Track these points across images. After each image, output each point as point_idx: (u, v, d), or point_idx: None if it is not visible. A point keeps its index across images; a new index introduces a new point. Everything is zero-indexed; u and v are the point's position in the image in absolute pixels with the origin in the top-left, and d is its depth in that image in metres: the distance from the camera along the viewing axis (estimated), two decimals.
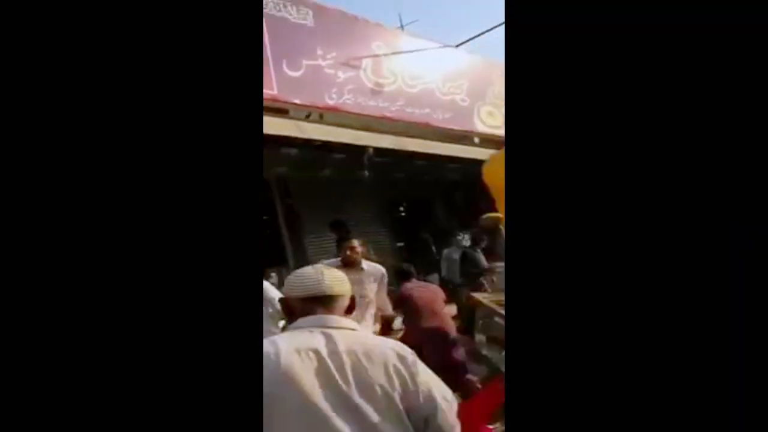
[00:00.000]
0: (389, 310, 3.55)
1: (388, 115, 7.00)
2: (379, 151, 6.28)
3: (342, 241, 3.69)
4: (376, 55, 7.14)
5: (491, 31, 8.17)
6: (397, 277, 4.80)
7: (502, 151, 2.57)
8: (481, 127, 8.24)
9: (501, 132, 8.44)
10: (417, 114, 7.35)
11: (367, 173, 6.28)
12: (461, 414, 2.95)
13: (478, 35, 8.35)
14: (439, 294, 4.23)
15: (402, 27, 8.75)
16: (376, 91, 6.98)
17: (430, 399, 1.22)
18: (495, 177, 2.17)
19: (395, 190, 8.39)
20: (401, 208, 9.02)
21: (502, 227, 6.64)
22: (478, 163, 6.95)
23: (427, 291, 4.19)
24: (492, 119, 8.49)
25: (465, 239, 6.28)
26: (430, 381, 1.25)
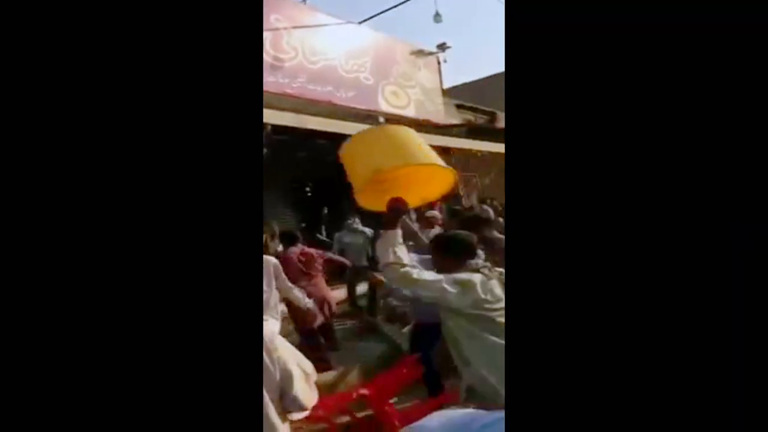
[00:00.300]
0: (298, 296, 3.46)
1: (289, 91, 6.74)
2: (279, 129, 6.02)
3: None
4: (276, 29, 6.83)
5: (394, 9, 8.12)
6: (283, 242, 4.89)
7: (363, 131, 2.34)
8: (385, 107, 8.18)
9: (405, 112, 8.44)
10: (319, 91, 7.14)
11: (265, 151, 6.00)
12: (369, 390, 2.88)
13: (382, 12, 8.26)
14: (318, 259, 4.59)
15: (304, 0, 8.45)
16: (275, 66, 6.69)
17: (286, 371, 1.31)
18: (350, 157, 2.04)
19: (298, 169, 8.16)
20: (307, 189, 8.81)
21: (411, 209, 6.69)
22: None
23: (306, 255, 4.52)
24: (396, 99, 8.47)
25: (356, 222, 6.23)
26: (286, 354, 1.36)
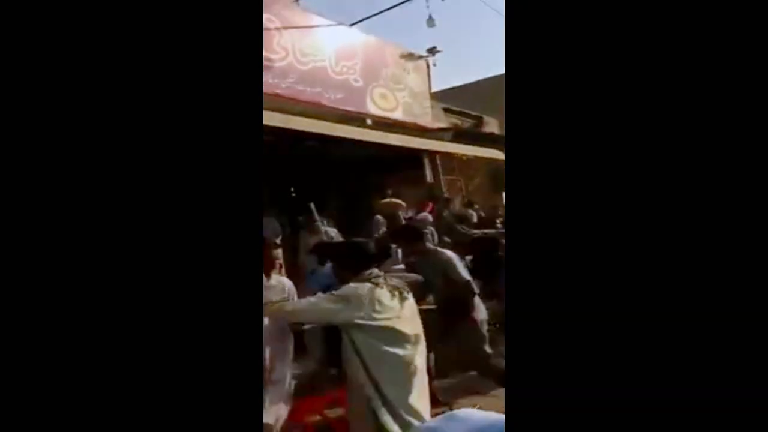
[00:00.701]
0: None
1: (279, 91, 6.79)
2: (266, 130, 6.08)
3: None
4: (267, 29, 6.88)
5: (386, 12, 8.19)
6: None
7: None
8: (373, 109, 8.26)
9: (393, 115, 8.53)
10: (308, 92, 7.20)
11: None
12: (341, 392, 2.92)
13: (373, 15, 8.33)
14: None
15: (297, 1, 8.49)
16: (266, 66, 6.74)
17: None
18: None
19: (288, 170, 8.22)
20: (291, 189, 8.87)
21: (400, 213, 6.83)
22: (369, 145, 7.03)
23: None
24: (385, 102, 8.54)
25: (324, 224, 6.25)
26: None
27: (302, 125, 6.38)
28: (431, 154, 8.91)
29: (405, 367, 1.89)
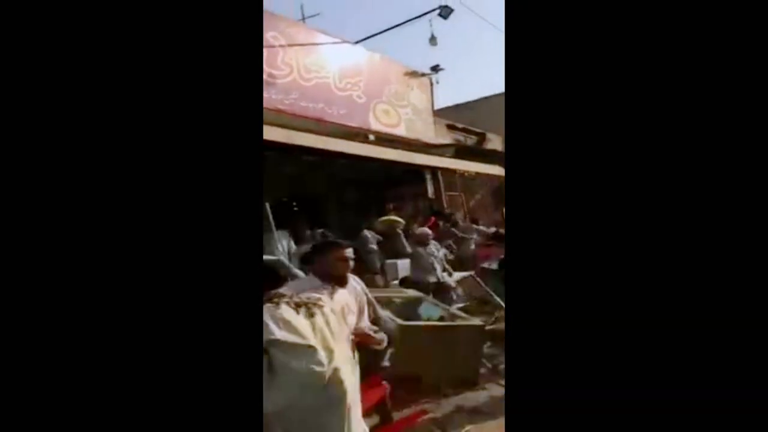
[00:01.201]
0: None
1: (281, 107, 6.87)
2: (269, 144, 6.13)
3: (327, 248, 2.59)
4: (272, 46, 6.99)
5: (390, 31, 8.30)
6: None
7: None
8: (376, 125, 8.33)
9: (396, 131, 8.60)
10: (311, 108, 7.28)
11: None
12: None
13: (377, 33, 8.43)
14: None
15: (303, 19, 8.64)
16: (269, 83, 6.83)
17: None
18: None
19: (290, 185, 8.27)
20: (293, 203, 8.92)
21: (399, 230, 6.85)
22: (371, 161, 7.08)
23: None
24: (387, 117, 8.62)
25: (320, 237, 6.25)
26: None
27: (305, 140, 6.43)
28: (433, 169, 8.96)
29: (317, 382, 1.87)
